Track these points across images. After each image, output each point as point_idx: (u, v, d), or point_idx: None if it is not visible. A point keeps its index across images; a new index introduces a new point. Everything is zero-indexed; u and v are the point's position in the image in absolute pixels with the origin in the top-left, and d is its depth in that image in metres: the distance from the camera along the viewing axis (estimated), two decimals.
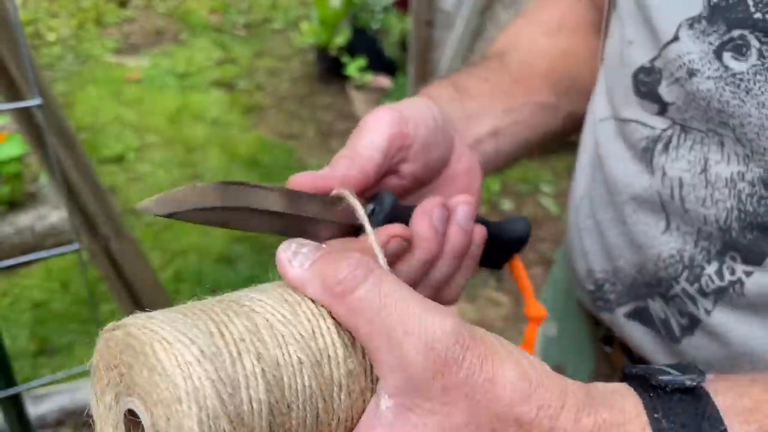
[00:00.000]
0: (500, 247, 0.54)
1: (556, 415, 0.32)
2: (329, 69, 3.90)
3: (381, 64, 3.50)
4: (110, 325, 0.33)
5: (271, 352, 0.32)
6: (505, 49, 0.67)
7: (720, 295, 0.50)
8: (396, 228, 0.45)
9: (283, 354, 0.32)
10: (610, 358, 0.66)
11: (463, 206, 0.48)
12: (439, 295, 0.49)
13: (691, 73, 0.48)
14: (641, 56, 0.52)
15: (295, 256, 0.35)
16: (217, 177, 3.07)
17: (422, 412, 0.32)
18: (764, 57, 0.44)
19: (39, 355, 2.08)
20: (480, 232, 0.51)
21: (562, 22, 0.69)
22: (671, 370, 0.36)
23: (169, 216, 0.38)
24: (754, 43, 0.44)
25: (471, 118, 0.57)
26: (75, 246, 1.03)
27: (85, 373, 1.67)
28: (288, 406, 0.31)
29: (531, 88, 0.63)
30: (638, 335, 0.57)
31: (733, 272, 0.49)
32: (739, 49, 0.45)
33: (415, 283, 0.47)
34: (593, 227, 0.61)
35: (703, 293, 0.51)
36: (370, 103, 3.52)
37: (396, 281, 0.34)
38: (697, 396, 0.34)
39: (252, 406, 0.30)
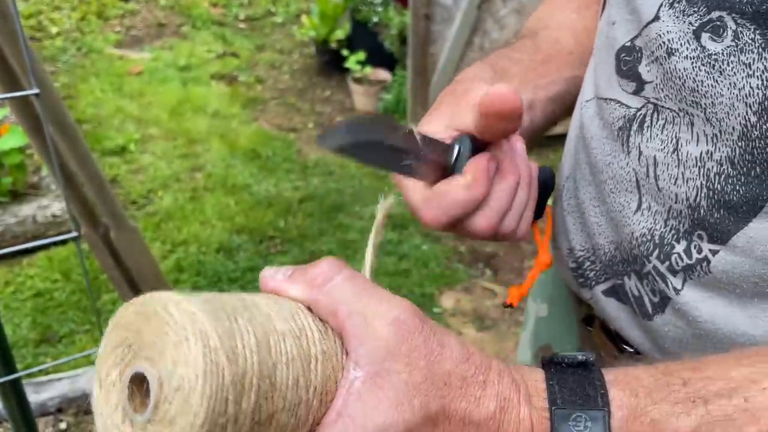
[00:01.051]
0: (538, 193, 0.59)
1: (486, 372, 0.39)
2: (329, 62, 3.92)
3: (380, 57, 3.52)
4: (120, 308, 0.37)
5: (261, 320, 0.37)
6: (536, 28, 0.71)
7: (689, 273, 0.51)
8: (483, 157, 0.50)
9: (271, 324, 0.37)
10: (592, 337, 0.67)
11: (520, 143, 0.54)
12: (518, 227, 0.54)
13: (670, 53, 0.49)
14: (623, 36, 0.54)
15: (276, 272, 0.41)
16: (218, 168, 3.09)
17: (389, 375, 0.36)
18: (738, 38, 0.45)
19: (41, 343, 2.11)
20: (534, 167, 0.56)
21: (589, 0, 0.71)
22: (574, 353, 0.42)
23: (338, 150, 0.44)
24: (731, 24, 0.45)
25: None
26: (73, 234, 1.05)
27: (85, 361, 1.71)
28: (273, 364, 0.35)
29: (561, 64, 0.66)
30: (615, 312, 0.59)
31: (700, 251, 0.50)
32: (717, 30, 0.46)
33: (506, 210, 0.52)
34: (576, 207, 0.63)
35: (673, 271, 0.52)
36: (369, 96, 3.53)
37: (362, 276, 0.41)
38: (588, 369, 0.41)
39: (245, 352, 0.34)
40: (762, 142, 0.45)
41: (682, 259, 0.51)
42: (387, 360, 0.37)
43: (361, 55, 3.52)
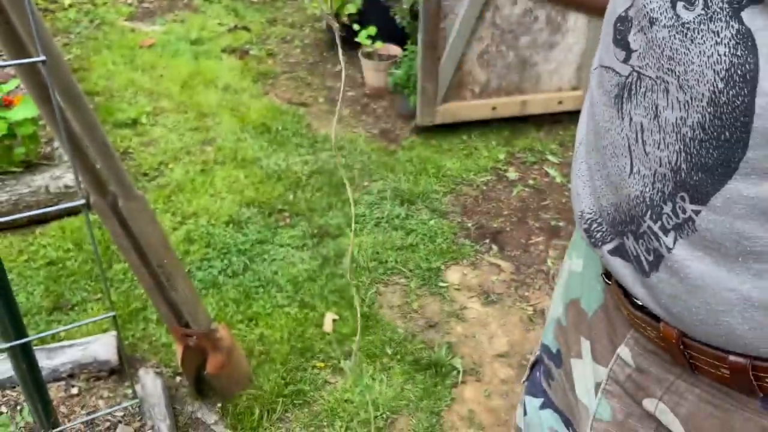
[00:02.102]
0: None
1: None
2: (340, 37, 3.90)
3: (391, 32, 3.50)
4: None
5: None
6: None
7: (679, 231, 0.53)
8: None
9: None
10: (610, 291, 0.71)
11: None
12: None
13: (652, 22, 0.51)
14: (621, 5, 0.57)
15: None
16: (229, 141, 3.11)
17: None
18: (708, 7, 0.47)
19: (53, 311, 2.16)
20: None
21: None
22: None
23: None
24: None
25: None
26: (82, 201, 1.08)
27: (96, 328, 1.74)
28: None
29: None
30: (621, 270, 0.62)
31: (684, 211, 0.52)
32: None
33: None
34: (585, 171, 0.66)
35: (665, 230, 0.54)
36: (379, 72, 3.52)
37: None
38: None
39: None
40: (729, 107, 0.46)
41: (671, 219, 0.54)
42: None
43: (372, 30, 3.50)
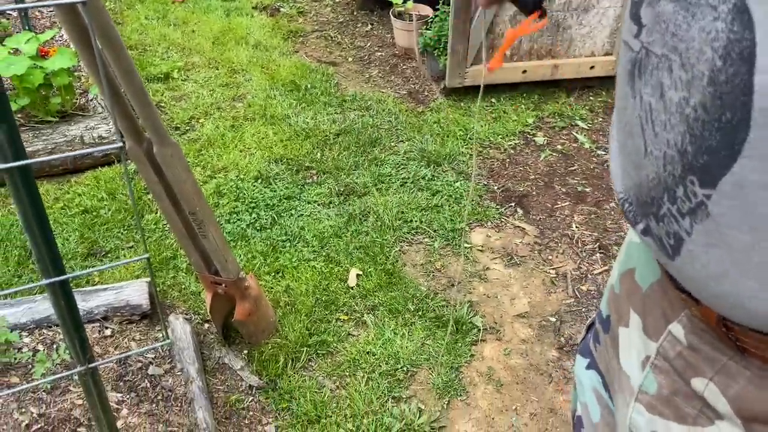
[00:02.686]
0: None
1: None
2: None
3: None
4: None
5: None
6: None
7: (693, 216, 0.51)
8: None
9: None
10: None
11: None
12: None
13: None
14: None
15: None
16: (258, 98, 3.14)
17: None
18: None
19: (88, 257, 2.23)
20: None
21: None
22: None
23: None
24: None
25: None
26: (119, 144, 1.11)
27: (129, 274, 1.80)
28: None
29: None
30: (654, 250, 0.60)
31: (695, 195, 0.50)
32: None
33: None
34: (615, 150, 0.65)
35: (682, 214, 0.52)
36: (409, 32, 3.49)
37: None
38: None
39: None
40: (728, 86, 0.44)
41: (684, 203, 0.51)
42: None
43: None
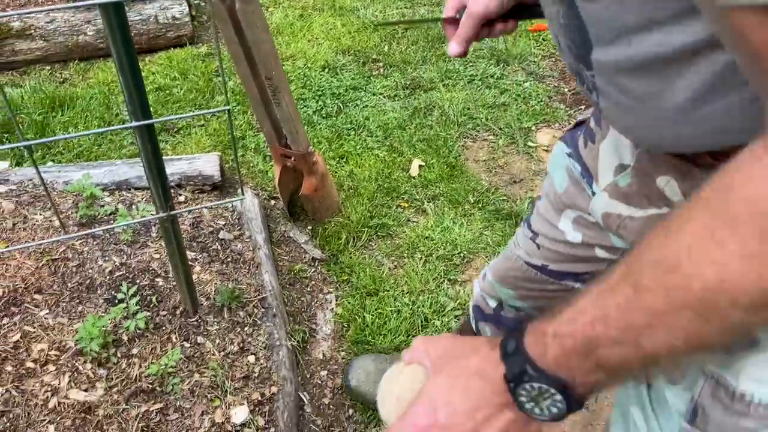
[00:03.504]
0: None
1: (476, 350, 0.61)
2: None
3: None
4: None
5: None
6: None
7: (595, 90, 0.65)
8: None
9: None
10: None
11: None
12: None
13: None
14: None
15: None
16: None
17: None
18: None
19: (161, 132, 2.32)
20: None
21: None
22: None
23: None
24: None
25: None
26: None
27: (199, 149, 1.85)
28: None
29: None
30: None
31: (588, 76, 0.64)
32: None
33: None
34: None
35: (590, 90, 0.66)
36: None
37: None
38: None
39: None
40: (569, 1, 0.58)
41: (585, 81, 0.65)
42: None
43: None
